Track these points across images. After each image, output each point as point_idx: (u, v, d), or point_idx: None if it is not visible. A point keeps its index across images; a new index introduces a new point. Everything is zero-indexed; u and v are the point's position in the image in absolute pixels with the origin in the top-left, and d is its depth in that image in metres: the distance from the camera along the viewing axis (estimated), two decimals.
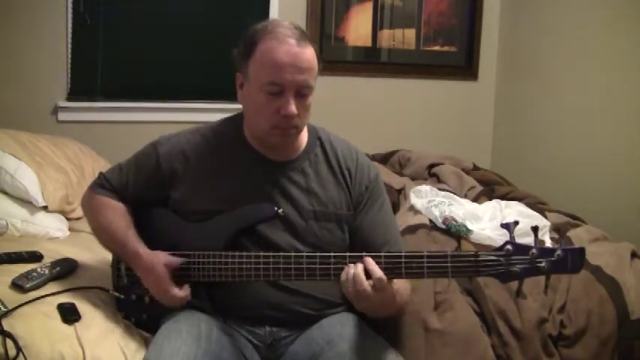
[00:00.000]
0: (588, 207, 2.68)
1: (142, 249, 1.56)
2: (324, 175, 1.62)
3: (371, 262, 1.37)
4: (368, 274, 1.36)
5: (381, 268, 1.37)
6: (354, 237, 1.62)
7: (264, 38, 1.48)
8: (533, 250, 1.32)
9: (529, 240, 1.37)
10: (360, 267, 1.36)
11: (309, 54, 1.49)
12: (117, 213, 1.65)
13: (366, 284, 1.34)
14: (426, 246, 1.97)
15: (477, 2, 3.71)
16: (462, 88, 3.77)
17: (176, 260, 1.53)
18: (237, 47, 1.55)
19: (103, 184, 1.71)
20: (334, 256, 1.43)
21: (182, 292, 1.51)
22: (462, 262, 1.37)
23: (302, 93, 1.49)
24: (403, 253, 1.39)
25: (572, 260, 1.31)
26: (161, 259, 1.52)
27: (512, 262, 1.33)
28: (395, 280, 1.41)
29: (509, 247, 1.34)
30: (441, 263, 1.37)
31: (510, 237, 1.35)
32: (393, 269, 1.38)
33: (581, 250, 1.33)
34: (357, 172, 1.64)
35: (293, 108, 1.47)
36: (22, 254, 1.85)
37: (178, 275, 1.53)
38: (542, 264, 1.32)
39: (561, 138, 3.24)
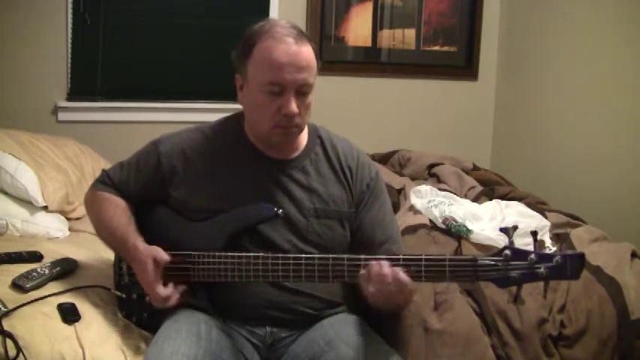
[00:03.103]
0: (588, 207, 2.68)
1: (141, 243, 1.55)
2: (324, 173, 1.62)
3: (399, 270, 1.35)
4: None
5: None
6: (354, 235, 1.63)
7: (261, 38, 1.48)
8: (532, 256, 1.31)
9: (528, 240, 1.36)
10: (389, 269, 1.35)
11: (307, 52, 1.49)
12: (118, 209, 1.65)
13: (393, 285, 1.34)
14: (426, 246, 1.96)
15: (477, 2, 3.71)
16: (462, 88, 3.77)
17: (164, 257, 1.51)
18: (236, 48, 1.55)
19: (105, 181, 1.71)
20: (333, 257, 1.42)
21: (165, 291, 1.49)
22: (460, 266, 1.36)
23: (302, 91, 1.49)
24: (401, 257, 1.39)
25: (571, 266, 1.30)
26: (151, 252, 1.51)
27: (511, 267, 1.32)
28: None
29: (507, 252, 1.32)
30: (439, 267, 1.36)
31: (509, 242, 1.34)
32: None
33: (581, 256, 1.31)
34: (358, 170, 1.65)
35: (294, 107, 1.48)
36: (22, 254, 1.85)
37: (177, 275, 1.53)
38: (541, 270, 1.30)
39: (561, 138, 3.24)
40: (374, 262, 1.36)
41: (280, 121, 1.50)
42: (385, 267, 1.34)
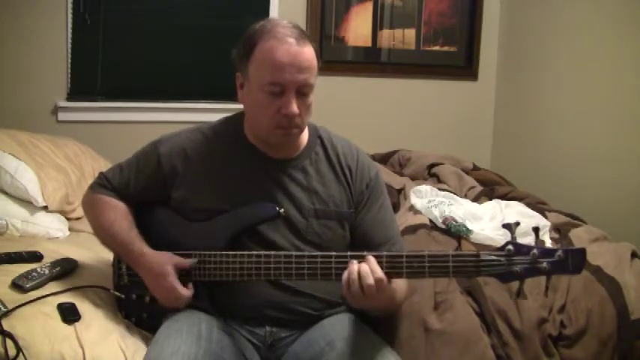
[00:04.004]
0: (588, 207, 2.68)
1: (148, 249, 1.56)
2: (324, 174, 1.62)
3: (373, 262, 1.36)
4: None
5: (382, 267, 1.37)
6: (354, 234, 1.63)
7: (263, 38, 1.48)
8: (534, 251, 1.32)
9: (529, 239, 1.36)
10: (365, 266, 1.35)
11: (308, 53, 1.48)
12: (118, 213, 1.65)
13: (372, 280, 1.33)
14: (426, 246, 1.96)
15: (477, 2, 3.71)
16: (462, 88, 3.77)
17: (186, 262, 1.53)
18: (237, 47, 1.55)
19: (103, 184, 1.71)
20: (335, 255, 1.42)
21: (188, 292, 1.52)
22: (463, 261, 1.36)
23: (303, 92, 1.49)
24: (405, 253, 1.39)
25: (573, 261, 1.31)
26: (169, 259, 1.53)
27: (513, 262, 1.33)
28: (393, 280, 1.41)
29: (510, 247, 1.33)
30: (442, 263, 1.37)
31: (512, 237, 1.35)
32: (394, 269, 1.38)
33: (582, 251, 1.33)
34: (357, 170, 1.64)
35: (294, 107, 1.47)
36: (22, 254, 1.85)
37: (178, 275, 1.53)
38: (543, 264, 1.31)
39: (561, 138, 3.25)
40: (352, 263, 1.37)
41: (280, 122, 1.50)
42: (361, 265, 1.35)
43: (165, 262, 1.52)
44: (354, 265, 1.36)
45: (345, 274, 1.37)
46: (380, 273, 1.34)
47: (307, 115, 1.54)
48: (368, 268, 1.34)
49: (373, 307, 1.47)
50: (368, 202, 1.64)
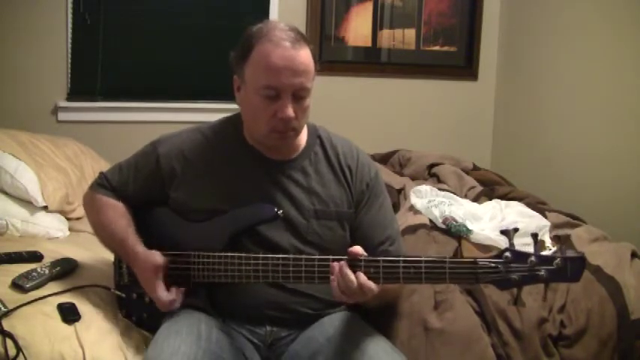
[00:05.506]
0: (588, 207, 2.68)
1: (140, 248, 1.56)
2: (324, 174, 1.62)
3: (362, 277, 1.35)
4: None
5: (378, 272, 1.36)
6: (354, 234, 1.62)
7: (259, 41, 1.48)
8: (532, 258, 1.30)
9: (527, 240, 1.36)
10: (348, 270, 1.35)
11: (304, 56, 1.48)
12: (117, 212, 1.65)
13: (355, 286, 1.34)
14: (426, 246, 1.97)
15: (477, 2, 3.71)
16: (462, 88, 3.77)
17: (159, 261, 1.52)
18: (234, 50, 1.55)
19: (103, 183, 1.71)
20: (333, 259, 1.41)
21: (168, 296, 1.50)
22: (459, 268, 1.35)
23: (299, 95, 1.49)
24: (401, 258, 1.38)
25: (571, 268, 1.29)
26: (150, 258, 1.53)
27: (511, 269, 1.31)
28: None
29: (508, 254, 1.32)
30: (438, 269, 1.36)
31: (510, 244, 1.33)
32: (390, 274, 1.37)
33: (581, 259, 1.30)
34: (357, 169, 1.64)
35: (290, 111, 1.47)
36: (22, 254, 1.85)
37: (177, 276, 1.53)
38: (541, 272, 1.29)
39: (561, 138, 3.25)
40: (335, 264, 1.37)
41: (277, 126, 1.49)
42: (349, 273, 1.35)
43: (147, 261, 1.52)
44: (335, 268, 1.36)
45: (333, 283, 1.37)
46: (368, 285, 1.34)
47: (304, 118, 1.54)
48: (353, 279, 1.34)
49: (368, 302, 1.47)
50: (368, 202, 1.64)
